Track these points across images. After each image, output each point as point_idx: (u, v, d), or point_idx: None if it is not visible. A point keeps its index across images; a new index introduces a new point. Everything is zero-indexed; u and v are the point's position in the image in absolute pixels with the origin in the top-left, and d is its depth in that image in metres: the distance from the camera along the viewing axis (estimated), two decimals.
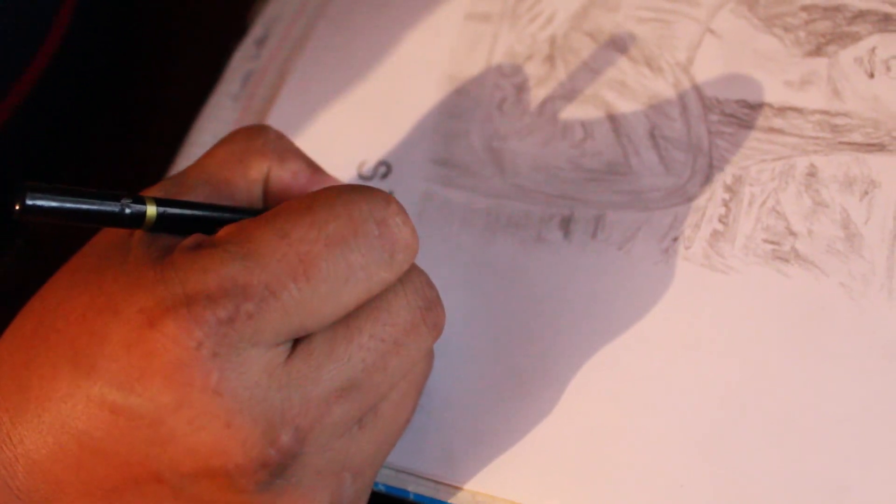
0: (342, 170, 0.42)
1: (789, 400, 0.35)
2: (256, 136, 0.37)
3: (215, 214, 0.34)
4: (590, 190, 0.39)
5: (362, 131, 0.43)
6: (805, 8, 0.40)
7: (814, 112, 0.38)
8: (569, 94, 0.41)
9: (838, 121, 0.38)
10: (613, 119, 0.40)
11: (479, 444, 0.36)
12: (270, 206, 0.36)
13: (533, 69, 0.42)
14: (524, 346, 0.37)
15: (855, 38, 0.39)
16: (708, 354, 0.36)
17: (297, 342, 0.32)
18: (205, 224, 0.34)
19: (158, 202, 0.33)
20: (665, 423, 0.35)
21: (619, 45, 0.42)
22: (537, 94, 0.42)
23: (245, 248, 0.31)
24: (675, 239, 0.38)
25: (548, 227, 0.39)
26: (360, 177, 0.43)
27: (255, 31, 0.48)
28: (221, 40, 0.50)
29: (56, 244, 0.41)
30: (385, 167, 0.42)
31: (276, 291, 0.31)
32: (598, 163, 0.40)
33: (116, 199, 0.32)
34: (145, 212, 0.33)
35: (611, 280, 0.38)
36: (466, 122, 0.42)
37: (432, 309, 0.34)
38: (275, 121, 0.44)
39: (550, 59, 0.42)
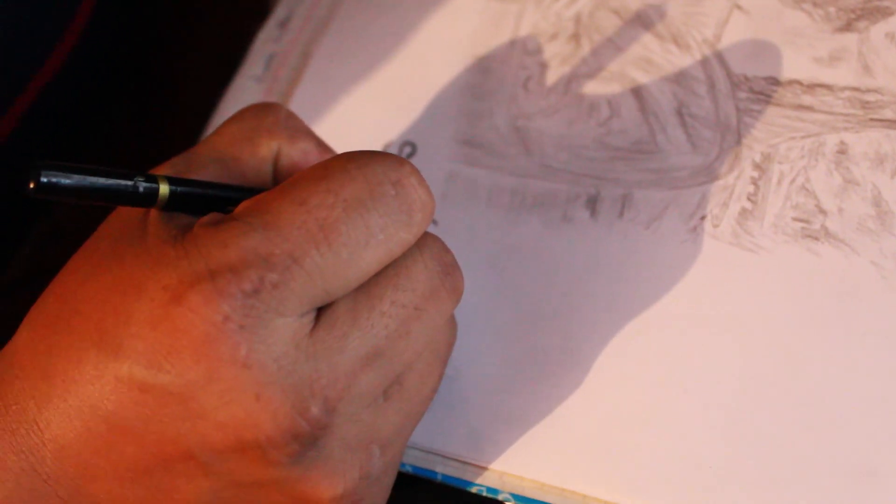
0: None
1: (818, 380, 0.34)
2: (266, 114, 0.36)
3: (227, 194, 0.34)
4: (616, 169, 0.39)
5: (386, 112, 0.43)
6: None
7: (844, 89, 0.38)
8: (594, 72, 0.41)
9: (869, 97, 0.37)
10: (640, 97, 0.40)
11: (506, 424, 0.36)
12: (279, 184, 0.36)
13: (558, 48, 0.42)
14: (551, 325, 0.37)
15: (886, 13, 0.38)
16: (736, 334, 0.35)
17: (320, 312, 0.32)
18: (217, 202, 0.34)
19: (171, 181, 0.33)
20: (691, 403, 0.35)
21: (645, 22, 0.41)
22: (562, 73, 0.41)
23: (264, 218, 0.31)
24: (703, 217, 0.37)
25: (574, 207, 0.39)
26: None
27: (278, 13, 0.47)
28: (244, 23, 0.49)
29: (76, 229, 0.41)
30: (410, 147, 0.42)
31: (298, 259, 0.31)
32: (624, 141, 0.39)
33: (129, 177, 0.32)
34: (158, 190, 0.33)
35: (638, 259, 0.37)
36: (491, 101, 0.42)
37: (450, 273, 0.33)
38: (298, 102, 0.44)
39: (576, 37, 0.42)
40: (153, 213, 0.33)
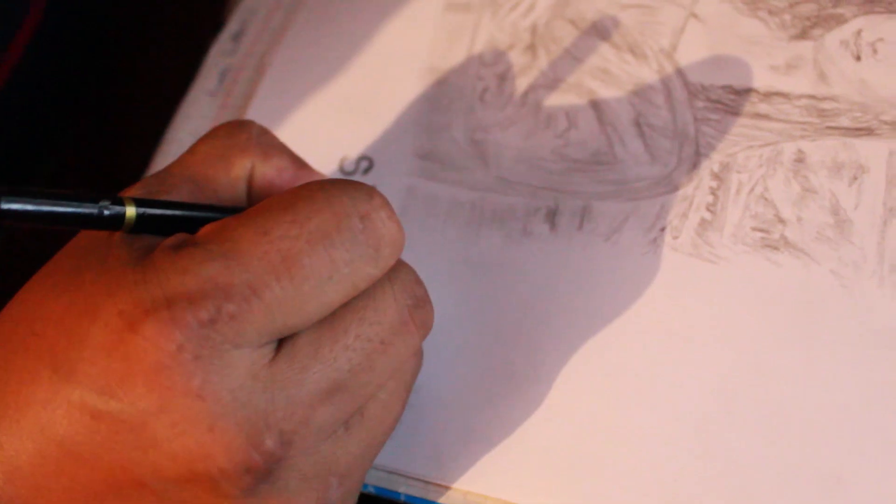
0: (323, 165, 0.42)
1: (782, 390, 0.34)
2: (239, 132, 0.36)
3: (197, 214, 0.34)
4: (575, 181, 0.39)
5: (343, 126, 0.42)
6: None
7: (800, 97, 0.38)
8: (551, 83, 0.41)
9: (825, 105, 0.37)
10: (597, 108, 0.40)
11: (470, 442, 0.36)
12: (255, 203, 0.36)
13: (514, 58, 0.42)
14: (512, 341, 0.37)
15: (840, 20, 0.38)
16: (698, 345, 0.35)
17: (281, 343, 0.31)
18: (187, 224, 0.33)
19: (138, 203, 0.32)
20: (656, 416, 0.35)
21: (601, 32, 0.41)
22: (520, 84, 0.41)
23: (225, 246, 0.31)
24: (663, 229, 0.37)
25: (533, 220, 0.39)
26: (342, 172, 0.42)
27: (231, 26, 0.47)
28: (196, 36, 0.49)
29: (33, 244, 0.40)
30: (367, 162, 0.42)
31: (258, 290, 0.30)
32: (582, 153, 0.39)
33: (94, 200, 0.32)
34: (124, 213, 0.32)
35: (598, 272, 0.37)
36: (448, 114, 0.41)
37: (420, 307, 0.33)
38: (253, 117, 0.44)
39: (532, 48, 0.42)
40: (118, 234, 0.32)
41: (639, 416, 0.35)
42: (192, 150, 0.36)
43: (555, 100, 0.40)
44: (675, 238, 0.37)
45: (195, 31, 0.49)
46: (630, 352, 0.36)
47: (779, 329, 0.35)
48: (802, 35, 0.39)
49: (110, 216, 0.32)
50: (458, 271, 0.39)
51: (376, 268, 0.32)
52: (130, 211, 0.32)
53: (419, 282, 0.34)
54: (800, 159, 0.37)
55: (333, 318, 0.32)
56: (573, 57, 0.41)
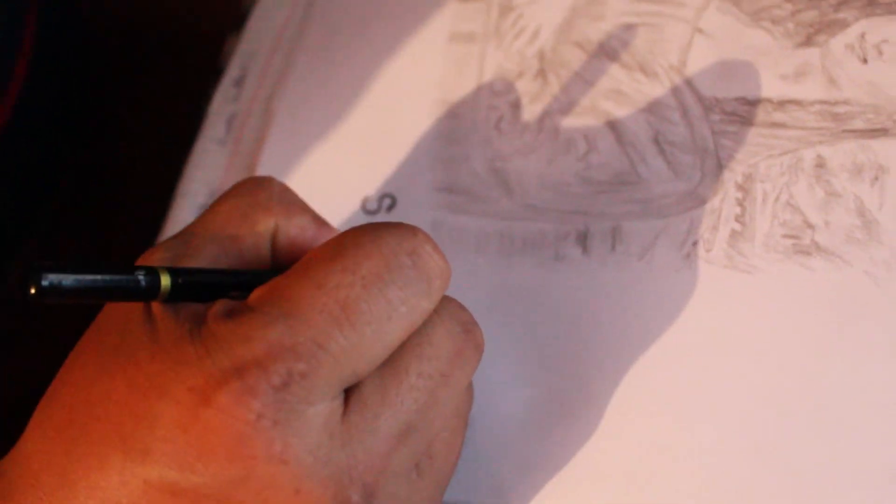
0: (345, 206, 0.42)
1: (829, 393, 0.35)
2: (261, 190, 0.36)
3: (229, 279, 0.34)
4: (602, 202, 0.39)
5: (360, 165, 0.43)
6: None
7: (813, 103, 0.39)
8: (566, 107, 0.41)
9: (839, 109, 0.38)
10: (615, 129, 0.40)
11: (528, 470, 0.36)
12: (278, 260, 0.36)
13: (526, 86, 0.42)
14: (557, 367, 0.37)
15: (843, 24, 0.39)
16: (743, 355, 0.36)
17: (348, 393, 0.31)
18: (219, 289, 0.33)
19: (171, 272, 0.32)
20: (710, 431, 0.35)
21: (609, 53, 0.41)
22: (534, 111, 0.41)
23: (284, 307, 0.31)
24: (695, 243, 0.38)
25: (565, 245, 0.39)
26: (365, 211, 0.42)
27: (232, 72, 0.47)
28: (193, 81, 0.48)
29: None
30: (389, 200, 0.42)
31: (323, 344, 0.30)
32: (605, 174, 0.40)
33: (129, 271, 0.31)
34: (160, 283, 0.32)
35: (636, 292, 0.38)
36: (465, 145, 0.42)
37: (471, 331, 0.34)
38: (266, 162, 0.44)
39: (542, 73, 0.42)
40: (156, 305, 0.32)
41: (692, 432, 0.35)
42: (213, 209, 0.36)
43: (571, 124, 0.41)
44: (709, 251, 0.38)
45: (192, 76, 0.49)
46: (676, 368, 0.36)
47: (820, 333, 0.36)
48: (808, 42, 0.39)
49: (147, 286, 0.32)
50: (494, 302, 0.39)
51: (430, 301, 0.32)
52: (165, 280, 0.32)
53: (463, 308, 0.34)
54: (820, 164, 0.38)
55: (393, 360, 0.32)
56: (584, 80, 0.41)
